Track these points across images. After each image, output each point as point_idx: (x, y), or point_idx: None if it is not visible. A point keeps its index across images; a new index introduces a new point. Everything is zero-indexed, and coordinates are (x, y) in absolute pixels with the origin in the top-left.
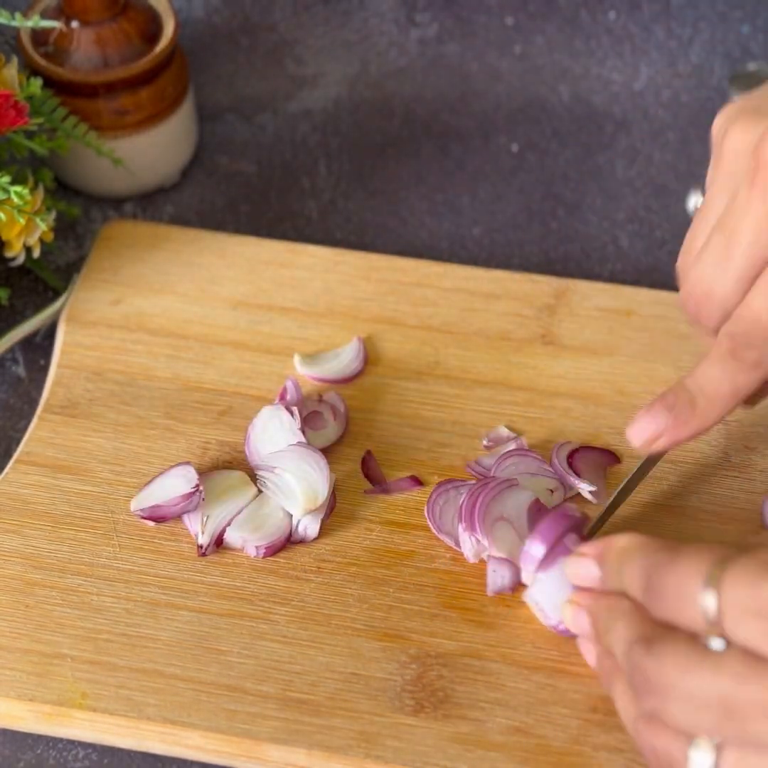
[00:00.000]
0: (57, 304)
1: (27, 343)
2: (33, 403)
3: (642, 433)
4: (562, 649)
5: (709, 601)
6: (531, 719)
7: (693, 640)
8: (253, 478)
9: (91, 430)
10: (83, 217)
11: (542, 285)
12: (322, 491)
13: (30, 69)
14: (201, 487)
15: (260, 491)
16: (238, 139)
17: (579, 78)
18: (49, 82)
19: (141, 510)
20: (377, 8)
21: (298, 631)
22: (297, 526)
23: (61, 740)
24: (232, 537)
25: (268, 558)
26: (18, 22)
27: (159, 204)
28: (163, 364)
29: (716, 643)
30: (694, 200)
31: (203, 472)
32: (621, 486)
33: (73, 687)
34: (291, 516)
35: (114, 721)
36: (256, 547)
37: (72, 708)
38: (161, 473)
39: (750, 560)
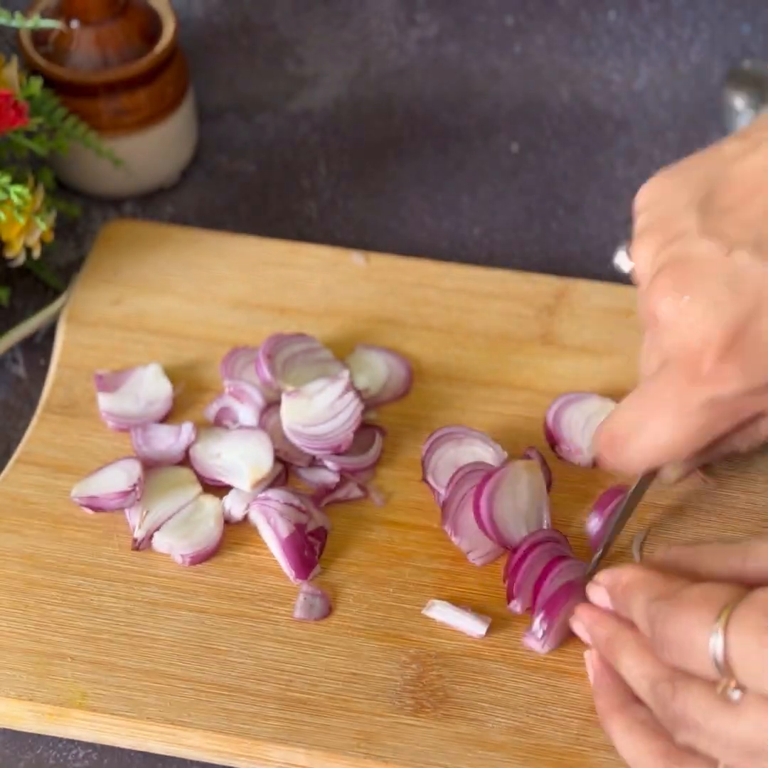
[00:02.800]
0: (57, 304)
1: (27, 343)
2: (33, 403)
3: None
4: (562, 649)
5: (716, 651)
6: (531, 719)
7: (710, 686)
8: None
9: (91, 430)
10: (83, 217)
11: (542, 285)
12: (267, 461)
13: (30, 69)
14: (138, 488)
15: (203, 490)
16: (238, 139)
17: (579, 78)
18: (49, 82)
19: (79, 498)
20: (377, 8)
21: (298, 631)
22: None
23: (61, 740)
24: (160, 542)
25: (268, 558)
26: (18, 22)
27: (159, 204)
28: (163, 363)
29: (733, 693)
30: (619, 258)
31: (151, 467)
32: (618, 514)
33: (73, 687)
34: (223, 524)
35: (114, 721)
36: (182, 555)
37: (72, 708)
38: (108, 463)
39: (752, 606)
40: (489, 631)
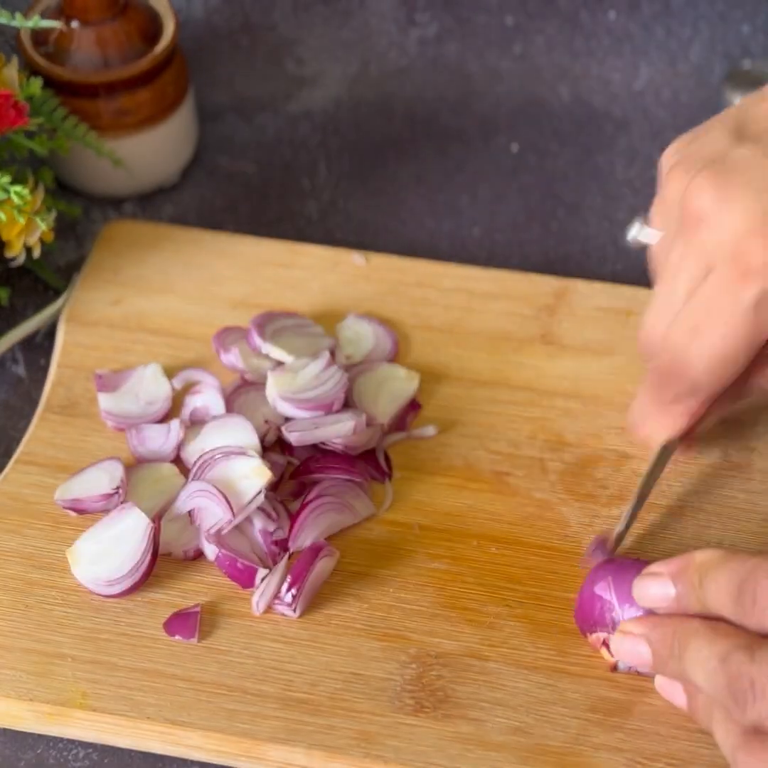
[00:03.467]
0: (57, 304)
1: (27, 343)
2: (33, 403)
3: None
4: (563, 649)
5: None
6: (531, 719)
7: None
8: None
9: (91, 430)
10: (83, 217)
11: (542, 285)
12: (255, 443)
13: (30, 69)
14: (121, 490)
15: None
16: (238, 139)
17: (579, 78)
18: (49, 82)
19: (63, 500)
20: (377, 8)
21: (298, 630)
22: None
23: (61, 740)
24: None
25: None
26: (18, 22)
27: (159, 204)
28: (163, 363)
29: None
30: (635, 229)
31: (132, 467)
32: (637, 491)
33: (73, 687)
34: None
35: (114, 721)
36: (185, 551)
37: (72, 708)
38: (90, 464)
39: None
40: (489, 631)
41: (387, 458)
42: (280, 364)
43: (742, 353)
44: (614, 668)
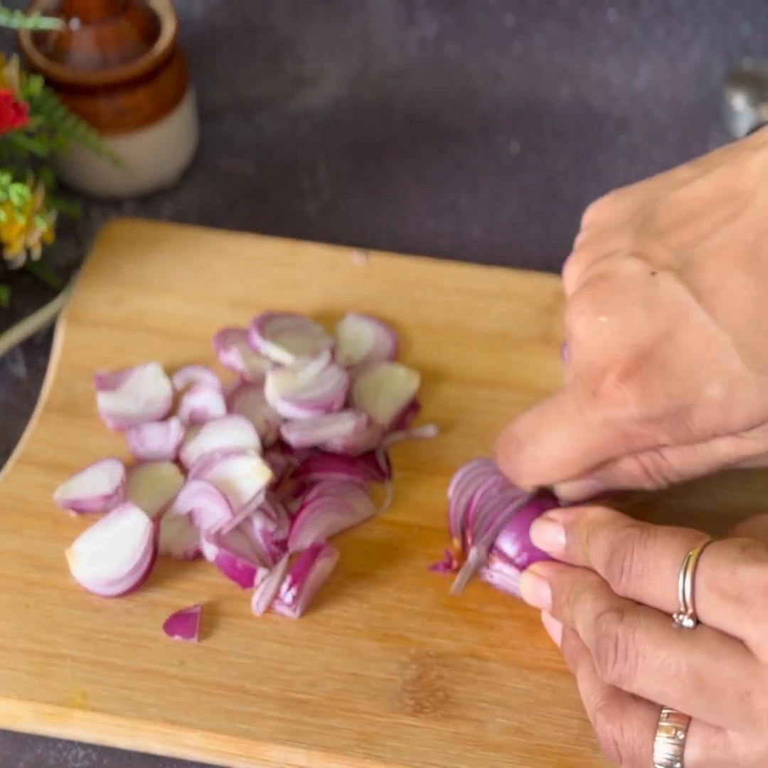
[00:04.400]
0: (57, 304)
1: (27, 343)
2: (33, 403)
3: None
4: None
5: (684, 583)
6: (531, 719)
7: (664, 616)
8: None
9: (91, 430)
10: (83, 217)
11: (543, 285)
12: (256, 443)
13: (30, 68)
14: (121, 490)
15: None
16: (238, 139)
17: (579, 78)
18: (49, 82)
19: (63, 500)
20: (377, 8)
21: (298, 631)
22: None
23: (61, 740)
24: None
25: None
26: (18, 21)
27: (159, 204)
28: (163, 363)
29: (687, 622)
30: None
31: (132, 467)
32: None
33: (73, 687)
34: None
35: (114, 721)
36: (185, 551)
37: (72, 708)
38: (90, 465)
39: (727, 544)
40: (489, 631)
41: (387, 458)
42: (279, 364)
43: (577, 466)
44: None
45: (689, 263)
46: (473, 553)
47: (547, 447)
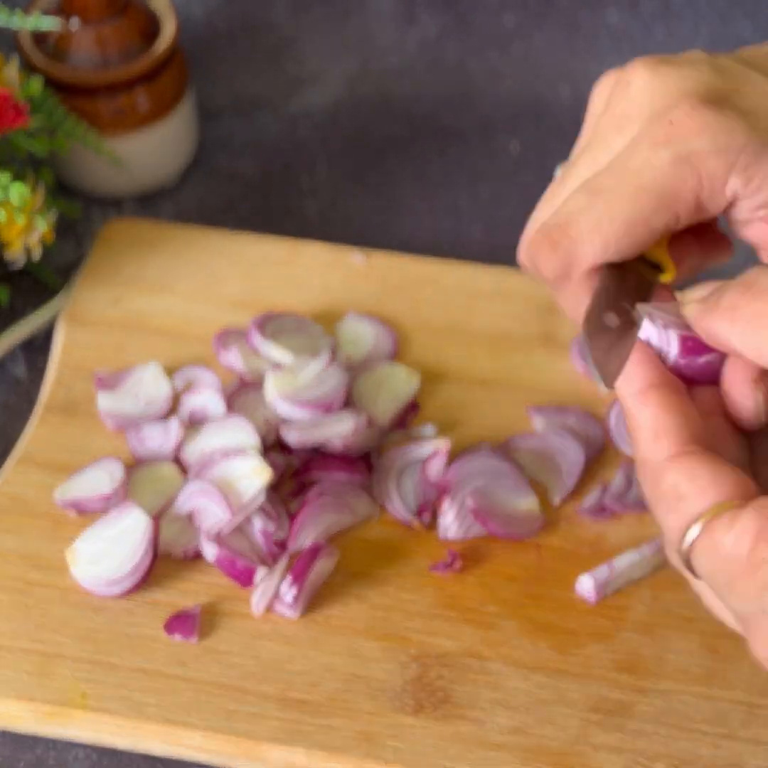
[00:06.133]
0: (57, 304)
1: (27, 343)
2: (33, 403)
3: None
4: (563, 649)
5: None
6: (531, 719)
7: None
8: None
9: (91, 430)
10: (83, 217)
11: (543, 285)
12: (255, 443)
13: (30, 68)
14: (121, 490)
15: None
16: (238, 139)
17: (579, 78)
18: (49, 82)
19: (63, 500)
20: (377, 8)
21: (298, 631)
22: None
23: (61, 740)
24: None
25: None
26: (18, 21)
27: (159, 204)
28: (163, 363)
29: None
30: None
31: (131, 466)
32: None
33: (73, 687)
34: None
35: (114, 722)
36: (184, 551)
37: (72, 708)
38: (90, 465)
39: None
40: (489, 631)
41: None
42: (279, 365)
43: (648, 222)
44: None
45: (749, 62)
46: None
47: (612, 208)
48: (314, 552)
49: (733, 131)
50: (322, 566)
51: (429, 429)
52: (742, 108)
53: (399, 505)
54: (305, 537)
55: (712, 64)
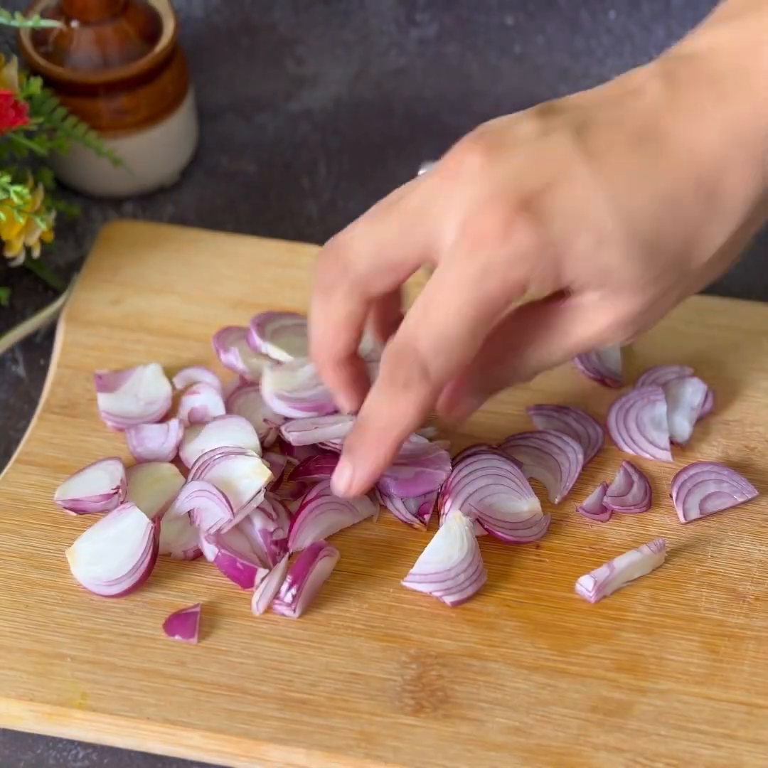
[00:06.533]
0: (57, 304)
1: (27, 343)
2: (33, 403)
3: (339, 484)
4: (563, 649)
5: None
6: (531, 719)
7: None
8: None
9: (91, 430)
10: (83, 217)
11: None
12: (255, 443)
13: (30, 69)
14: (121, 489)
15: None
16: (238, 139)
17: (579, 78)
18: (49, 82)
19: (63, 500)
20: (377, 8)
21: (298, 630)
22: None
23: (61, 740)
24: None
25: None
26: (18, 21)
27: (159, 204)
28: (162, 363)
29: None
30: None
31: (131, 467)
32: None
33: (73, 687)
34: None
35: (114, 721)
36: (184, 551)
37: (72, 708)
38: (90, 464)
39: None
40: (489, 631)
41: None
42: (278, 363)
43: (468, 331)
44: None
45: (584, 125)
46: None
47: (436, 324)
48: (314, 552)
49: (532, 244)
50: (322, 566)
51: (429, 430)
52: (545, 214)
53: (400, 505)
54: (305, 537)
55: (537, 155)
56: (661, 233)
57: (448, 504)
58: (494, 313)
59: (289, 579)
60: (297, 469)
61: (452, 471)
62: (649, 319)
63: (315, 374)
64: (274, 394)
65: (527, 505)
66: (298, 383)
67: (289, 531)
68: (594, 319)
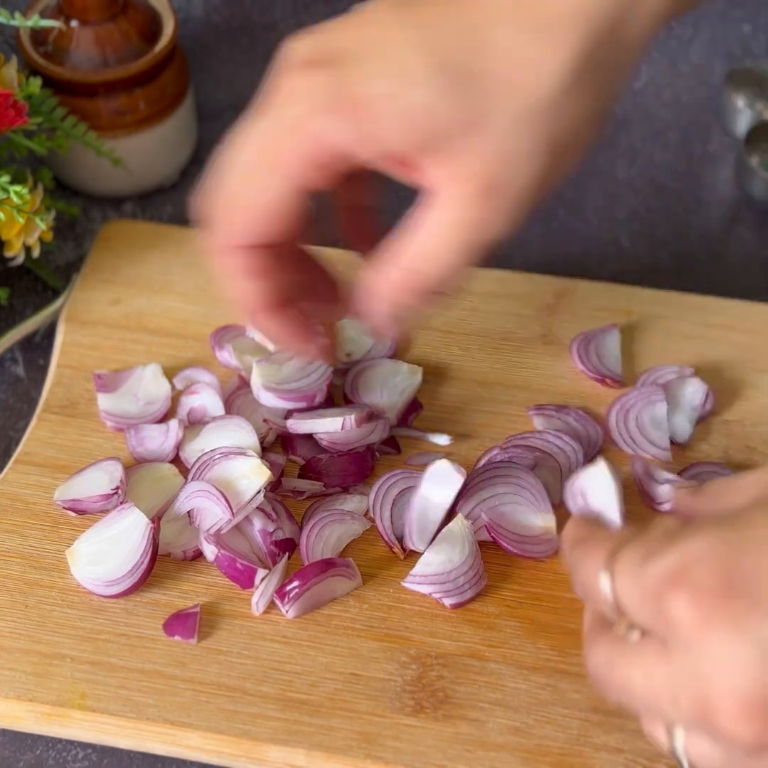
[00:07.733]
0: (57, 304)
1: (27, 343)
2: (33, 403)
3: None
4: (563, 649)
5: (605, 586)
6: (531, 719)
7: (615, 634)
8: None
9: (90, 430)
10: (83, 217)
11: (543, 285)
12: (254, 443)
13: (29, 68)
14: (121, 490)
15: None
16: None
17: None
18: (49, 82)
19: (62, 500)
20: None
21: (298, 631)
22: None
23: (61, 740)
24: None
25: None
26: (18, 21)
27: (159, 204)
28: (162, 363)
29: (633, 635)
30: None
31: (131, 467)
32: None
33: (72, 687)
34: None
35: (114, 722)
36: (184, 551)
37: (72, 708)
38: (90, 465)
39: (636, 544)
40: (489, 631)
41: (396, 444)
42: (267, 357)
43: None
44: None
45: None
46: None
47: (256, 189)
48: (326, 565)
49: (328, 93)
50: (335, 584)
51: (444, 438)
52: (349, 61)
53: (388, 524)
54: (317, 554)
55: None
56: (473, 62)
57: (459, 503)
58: (299, 174)
59: (294, 581)
60: (300, 471)
61: (472, 472)
62: (519, 183)
63: (302, 366)
64: (263, 386)
65: (541, 521)
66: (286, 375)
67: (300, 550)
68: (450, 194)
